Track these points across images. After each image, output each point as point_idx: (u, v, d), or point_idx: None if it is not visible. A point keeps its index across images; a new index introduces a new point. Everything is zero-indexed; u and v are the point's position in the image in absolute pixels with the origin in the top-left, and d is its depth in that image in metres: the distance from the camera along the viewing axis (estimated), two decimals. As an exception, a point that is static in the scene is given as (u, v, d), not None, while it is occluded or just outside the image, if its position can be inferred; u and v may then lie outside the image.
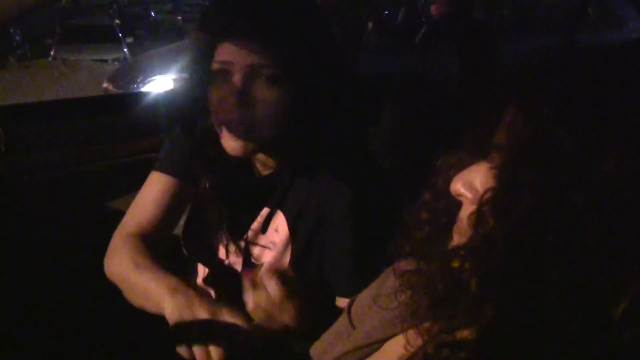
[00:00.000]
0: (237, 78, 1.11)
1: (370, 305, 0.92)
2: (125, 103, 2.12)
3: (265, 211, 1.28)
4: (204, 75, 1.16)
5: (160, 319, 1.12)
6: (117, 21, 16.27)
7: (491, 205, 0.64)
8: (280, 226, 1.26)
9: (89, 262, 1.63)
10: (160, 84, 4.87)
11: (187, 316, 1.07)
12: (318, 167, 1.22)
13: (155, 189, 1.33)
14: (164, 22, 18.40)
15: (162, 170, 1.33)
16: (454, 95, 1.86)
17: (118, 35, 13.90)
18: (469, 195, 0.69)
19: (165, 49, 6.16)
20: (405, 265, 0.82)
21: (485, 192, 0.65)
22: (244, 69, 1.10)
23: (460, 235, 0.71)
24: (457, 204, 0.73)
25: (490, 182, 0.66)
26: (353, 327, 0.93)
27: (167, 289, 1.13)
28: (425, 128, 1.89)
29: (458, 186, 0.71)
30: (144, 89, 4.89)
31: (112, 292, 1.27)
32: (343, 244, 1.20)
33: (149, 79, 4.95)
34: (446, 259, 0.71)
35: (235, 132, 1.15)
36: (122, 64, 7.59)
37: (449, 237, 0.74)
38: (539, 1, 5.72)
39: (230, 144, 1.16)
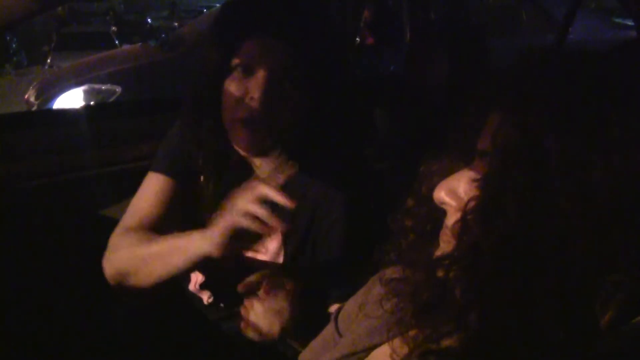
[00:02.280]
0: (261, 75, 1.12)
1: (357, 313, 0.91)
2: (118, 110, 2.12)
3: None
4: (217, 72, 1.15)
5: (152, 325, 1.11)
6: (114, 28, 16.18)
7: (476, 214, 0.63)
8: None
9: (81, 269, 1.63)
10: (72, 97, 4.90)
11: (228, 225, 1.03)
12: (312, 171, 1.23)
13: (152, 189, 1.32)
14: (161, 29, 18.37)
15: (158, 170, 1.33)
16: (443, 98, 1.87)
17: (115, 42, 13.84)
18: (452, 203, 0.69)
19: (85, 60, 6.18)
20: (391, 273, 0.82)
21: (469, 201, 0.65)
22: (270, 66, 1.11)
23: (445, 243, 0.70)
24: (441, 211, 0.73)
25: (474, 190, 0.65)
26: (340, 335, 0.93)
27: (192, 233, 1.10)
28: (417, 131, 1.89)
29: (441, 194, 0.70)
30: (58, 100, 4.91)
31: (106, 298, 1.27)
32: (335, 248, 1.20)
33: (63, 91, 4.97)
34: (431, 268, 0.71)
35: (252, 129, 1.15)
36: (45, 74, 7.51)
37: (434, 244, 0.74)
38: (467, 4, 5.61)
39: (245, 141, 1.17)
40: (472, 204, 0.65)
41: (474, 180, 0.66)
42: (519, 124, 0.61)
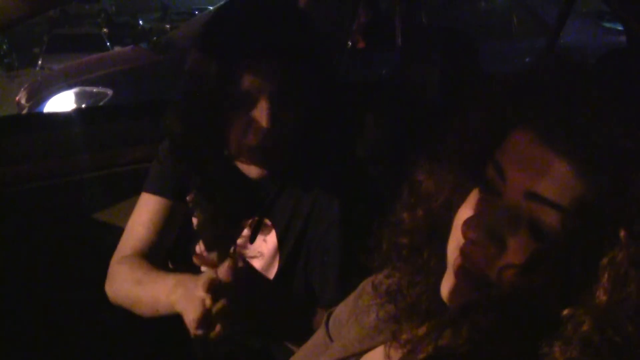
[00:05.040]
0: (264, 102, 1.10)
1: (348, 318, 0.91)
2: (109, 115, 2.12)
3: (253, 221, 1.29)
4: (216, 105, 1.12)
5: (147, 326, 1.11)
6: (105, 30, 16.14)
7: (536, 269, 0.59)
8: (268, 236, 1.27)
9: (75, 272, 1.63)
10: (63, 99, 4.89)
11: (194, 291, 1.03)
12: (306, 177, 1.23)
13: (146, 210, 1.34)
14: (152, 31, 18.32)
15: (151, 191, 1.34)
16: (434, 103, 1.88)
17: (106, 44, 13.79)
18: (493, 250, 0.62)
19: (76, 63, 6.15)
20: (383, 279, 0.81)
21: (533, 253, 0.60)
22: (270, 92, 1.09)
23: (468, 287, 0.65)
24: (438, 224, 0.71)
25: (531, 243, 0.60)
26: (331, 339, 0.93)
27: (173, 283, 1.12)
28: (410, 135, 1.90)
29: (480, 235, 0.62)
30: (49, 102, 4.90)
31: (101, 300, 1.27)
32: (330, 254, 1.20)
33: (54, 94, 4.97)
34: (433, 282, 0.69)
35: (264, 155, 1.15)
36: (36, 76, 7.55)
37: (431, 258, 0.73)
38: (459, 8, 5.61)
39: (255, 169, 1.17)
40: (532, 257, 0.60)
41: (533, 232, 0.60)
42: (589, 174, 0.57)
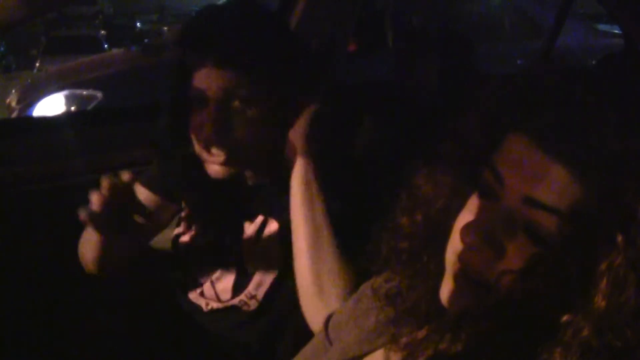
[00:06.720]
0: (210, 104, 1.13)
1: (347, 321, 0.91)
2: (106, 117, 2.13)
3: (259, 219, 1.29)
4: (181, 101, 1.17)
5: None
6: (103, 32, 16.20)
7: (533, 274, 0.59)
8: (272, 235, 1.27)
9: (67, 275, 1.61)
10: (53, 102, 4.92)
11: None
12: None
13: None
14: (150, 33, 18.37)
15: (143, 184, 1.35)
16: (432, 104, 1.87)
17: (104, 46, 13.87)
18: (490, 252, 0.62)
19: (67, 65, 6.22)
20: (382, 282, 0.81)
21: (530, 258, 0.60)
22: (218, 94, 1.12)
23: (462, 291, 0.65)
24: (437, 228, 0.71)
25: (529, 247, 0.60)
26: (330, 343, 0.93)
27: None
28: (407, 137, 1.89)
29: (475, 239, 0.62)
30: (39, 105, 4.94)
31: (94, 303, 1.32)
32: None
33: (44, 96, 4.99)
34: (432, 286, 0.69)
35: (215, 157, 1.16)
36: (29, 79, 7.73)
37: (430, 261, 0.72)
38: (453, 12, 5.61)
39: (213, 168, 1.19)
40: (530, 262, 0.60)
41: (531, 237, 0.60)
42: (583, 177, 0.57)
